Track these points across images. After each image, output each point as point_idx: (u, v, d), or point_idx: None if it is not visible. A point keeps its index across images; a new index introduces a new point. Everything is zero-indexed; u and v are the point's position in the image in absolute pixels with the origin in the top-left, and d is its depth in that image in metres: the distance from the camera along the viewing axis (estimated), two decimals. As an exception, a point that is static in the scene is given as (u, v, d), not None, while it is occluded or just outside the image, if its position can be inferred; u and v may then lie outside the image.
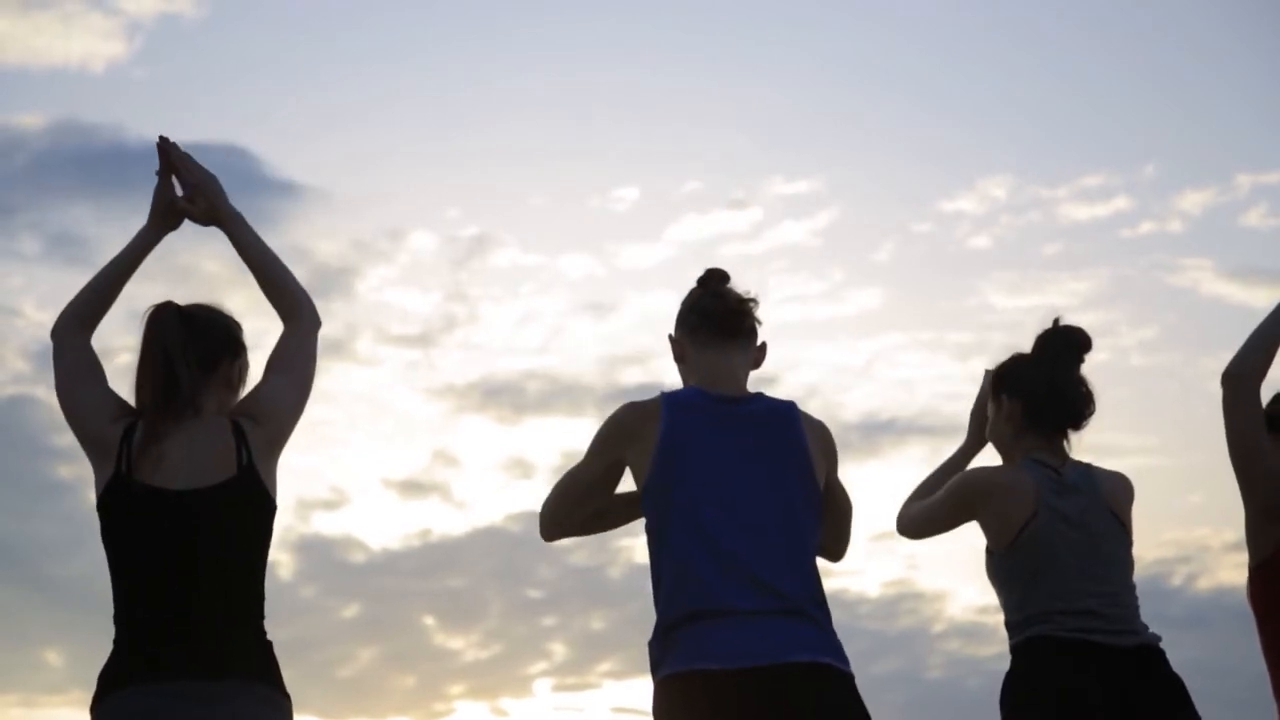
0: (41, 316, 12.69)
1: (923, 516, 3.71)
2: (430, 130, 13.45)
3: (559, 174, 13.54)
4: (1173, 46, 13.26)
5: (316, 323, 3.22)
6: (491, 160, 13.54)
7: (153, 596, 2.91)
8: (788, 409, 3.14)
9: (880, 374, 13.22)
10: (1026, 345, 3.71)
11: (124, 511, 2.96)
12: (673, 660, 2.93)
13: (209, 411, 3.04)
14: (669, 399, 3.10)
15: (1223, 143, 13.42)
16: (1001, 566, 3.53)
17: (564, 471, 3.24)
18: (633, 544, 12.79)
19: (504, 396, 13.08)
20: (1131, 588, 3.54)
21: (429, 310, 13.40)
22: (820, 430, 3.16)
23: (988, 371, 3.80)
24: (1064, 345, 3.65)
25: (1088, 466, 3.62)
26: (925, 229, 13.32)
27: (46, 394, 12.47)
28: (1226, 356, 3.67)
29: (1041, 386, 3.60)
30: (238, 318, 3.19)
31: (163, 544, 2.92)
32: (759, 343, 3.24)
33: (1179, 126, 13.50)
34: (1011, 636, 3.52)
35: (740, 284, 3.27)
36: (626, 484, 3.21)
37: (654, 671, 2.98)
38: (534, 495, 12.82)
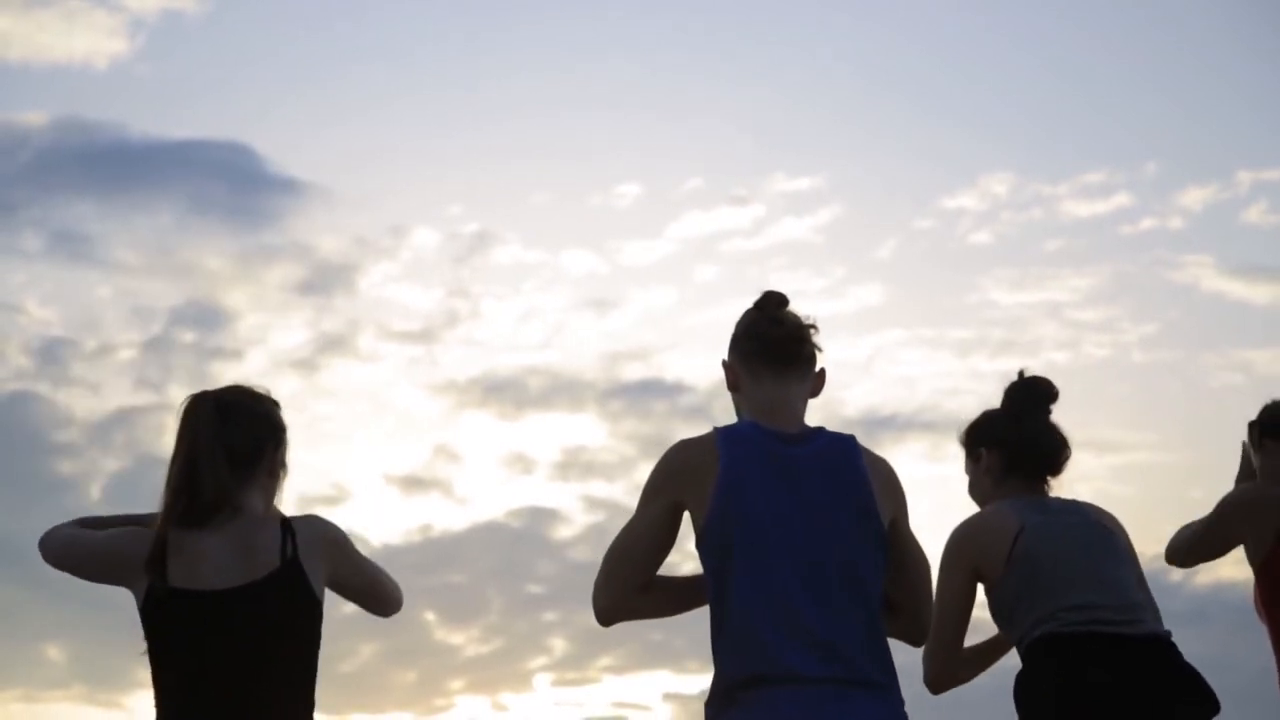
0: (44, 313, 12.72)
1: (941, 628, 3.45)
2: (432, 127, 13.48)
3: (560, 171, 13.58)
4: (1173, 46, 13.27)
5: (399, 603, 3.22)
6: (493, 157, 13.57)
7: (193, 696, 2.85)
8: (848, 445, 2.95)
9: (881, 370, 13.26)
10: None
11: (164, 619, 2.89)
12: None
13: (252, 508, 2.97)
14: (725, 434, 2.91)
15: (1223, 140, 13.45)
16: (1000, 591, 3.47)
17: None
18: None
19: (505, 392, 13.12)
20: (1141, 581, 3.51)
21: (431, 306, 13.44)
22: (883, 468, 2.98)
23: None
24: (1030, 397, 3.69)
25: (1073, 500, 3.62)
26: (927, 225, 13.35)
27: (49, 390, 12.49)
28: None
29: (1015, 437, 3.63)
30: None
31: (202, 644, 2.86)
32: (818, 369, 3.03)
33: (1180, 124, 13.53)
34: (1020, 648, 3.46)
35: (799, 309, 3.06)
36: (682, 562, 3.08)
37: None
38: (535, 491, 12.84)
